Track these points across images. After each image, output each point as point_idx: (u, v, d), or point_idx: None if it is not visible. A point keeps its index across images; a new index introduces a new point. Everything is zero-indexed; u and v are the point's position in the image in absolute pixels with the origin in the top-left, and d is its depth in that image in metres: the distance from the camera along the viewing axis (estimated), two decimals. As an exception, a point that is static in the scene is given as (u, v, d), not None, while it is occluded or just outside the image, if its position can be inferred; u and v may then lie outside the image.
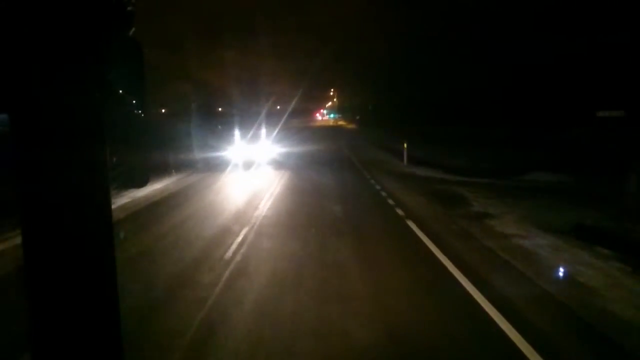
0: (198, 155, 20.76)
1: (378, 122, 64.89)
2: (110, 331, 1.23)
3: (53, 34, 1.12)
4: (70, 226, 1.17)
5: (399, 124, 59.08)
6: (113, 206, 1.46)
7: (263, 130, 22.60)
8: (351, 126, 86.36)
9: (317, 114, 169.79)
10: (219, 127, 24.21)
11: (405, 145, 19.89)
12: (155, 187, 13.90)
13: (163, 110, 72.11)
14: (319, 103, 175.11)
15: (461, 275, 5.88)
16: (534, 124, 43.16)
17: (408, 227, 8.69)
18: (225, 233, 8.26)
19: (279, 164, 20.04)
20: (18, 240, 2.65)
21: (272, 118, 37.04)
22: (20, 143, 1.14)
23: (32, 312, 1.15)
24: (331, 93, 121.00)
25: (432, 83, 58.81)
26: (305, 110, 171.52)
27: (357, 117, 43.40)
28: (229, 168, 19.27)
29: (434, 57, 60.24)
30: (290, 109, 53.88)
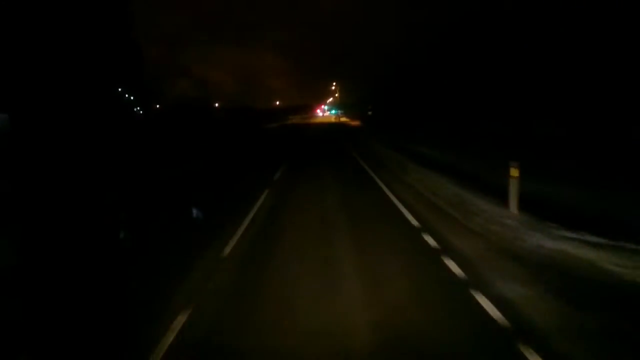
0: None
1: (390, 119, 53.69)
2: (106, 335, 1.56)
3: (54, 34, 1.63)
4: (69, 227, 2.45)
5: (417, 121, 47.94)
6: None
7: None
8: (356, 123, 74.92)
9: (318, 110, 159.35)
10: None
11: (515, 172, 8.46)
12: None
13: (157, 106, 62.97)
14: (320, 99, 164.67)
15: None
16: (580, 122, 31.96)
17: None
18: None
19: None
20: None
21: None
22: (19, 143, 1.44)
23: (28, 315, 1.57)
24: (333, 87, 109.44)
25: (454, 70, 47.82)
26: (305, 107, 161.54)
27: (370, 113, 31.82)
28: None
29: (455, 38, 48.98)
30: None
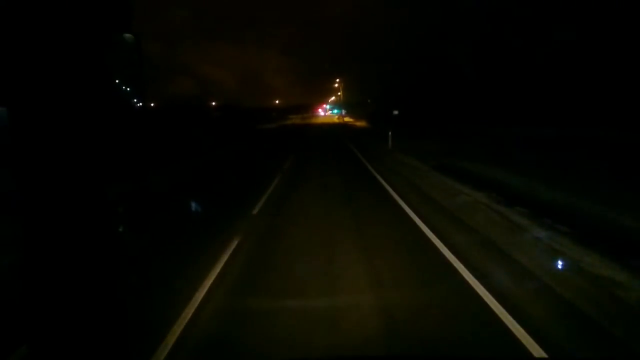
0: None
1: (410, 120, 44.76)
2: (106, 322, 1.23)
3: (54, 26, 1.07)
4: (67, 219, 1.20)
5: (447, 123, 38.97)
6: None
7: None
8: (361, 124, 66.00)
9: (320, 109, 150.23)
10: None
11: None
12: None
13: (152, 105, 56.85)
14: (322, 98, 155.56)
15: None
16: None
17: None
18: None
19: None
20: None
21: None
22: (18, 137, 1.13)
23: (29, 305, 1.19)
24: (336, 84, 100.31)
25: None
26: (306, 106, 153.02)
27: (395, 112, 22.76)
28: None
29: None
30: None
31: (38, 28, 1.03)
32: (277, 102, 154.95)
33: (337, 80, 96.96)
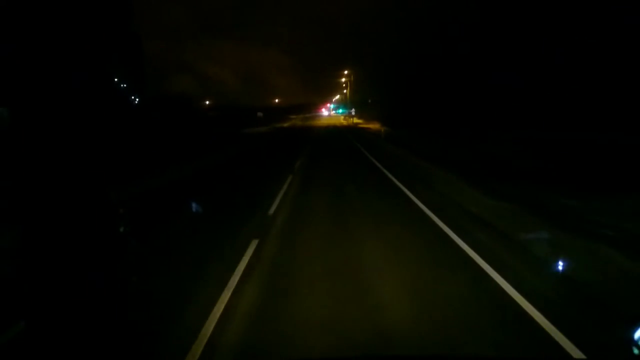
0: None
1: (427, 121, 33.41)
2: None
3: (54, 25, 1.06)
4: (68, 220, 1.19)
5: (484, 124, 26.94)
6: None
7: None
8: (375, 126, 54.79)
9: (323, 109, 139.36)
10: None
11: None
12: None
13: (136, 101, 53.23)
14: (325, 96, 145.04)
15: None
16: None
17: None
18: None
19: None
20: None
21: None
22: (20, 137, 1.12)
23: (27, 285, 1.20)
24: (343, 79, 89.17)
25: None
26: (309, 105, 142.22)
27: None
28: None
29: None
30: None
31: (38, 28, 1.00)
32: (277, 101, 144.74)
33: (345, 72, 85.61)
